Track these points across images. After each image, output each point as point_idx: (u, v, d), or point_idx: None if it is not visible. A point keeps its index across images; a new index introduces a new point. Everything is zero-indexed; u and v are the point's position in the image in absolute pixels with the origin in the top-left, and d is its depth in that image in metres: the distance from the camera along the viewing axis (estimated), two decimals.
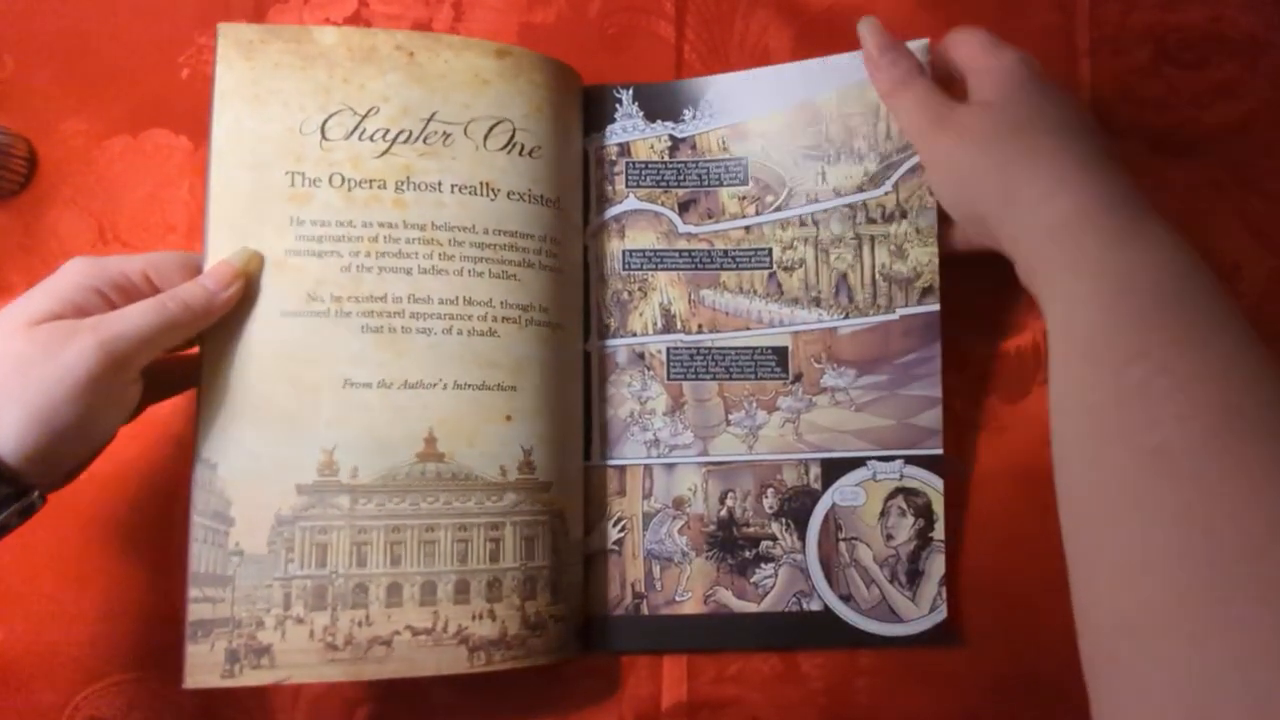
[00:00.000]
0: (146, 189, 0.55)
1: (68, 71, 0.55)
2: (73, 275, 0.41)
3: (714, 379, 0.52)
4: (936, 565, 0.51)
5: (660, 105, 0.54)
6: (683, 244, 0.53)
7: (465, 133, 0.48)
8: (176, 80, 0.55)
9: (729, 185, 0.54)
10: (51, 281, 0.41)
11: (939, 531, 0.51)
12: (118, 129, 0.55)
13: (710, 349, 0.53)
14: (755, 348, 0.52)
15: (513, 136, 0.49)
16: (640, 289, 0.53)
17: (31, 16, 0.55)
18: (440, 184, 0.47)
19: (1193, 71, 0.57)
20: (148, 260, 0.43)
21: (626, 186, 0.54)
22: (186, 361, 0.46)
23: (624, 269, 0.53)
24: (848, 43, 0.57)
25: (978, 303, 0.55)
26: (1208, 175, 0.56)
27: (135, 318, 0.40)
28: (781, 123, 0.54)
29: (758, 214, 0.53)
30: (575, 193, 0.52)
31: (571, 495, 0.50)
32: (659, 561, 0.51)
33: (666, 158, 0.54)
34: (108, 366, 0.38)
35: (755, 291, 0.53)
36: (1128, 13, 0.57)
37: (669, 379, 0.53)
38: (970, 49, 0.48)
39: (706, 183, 0.54)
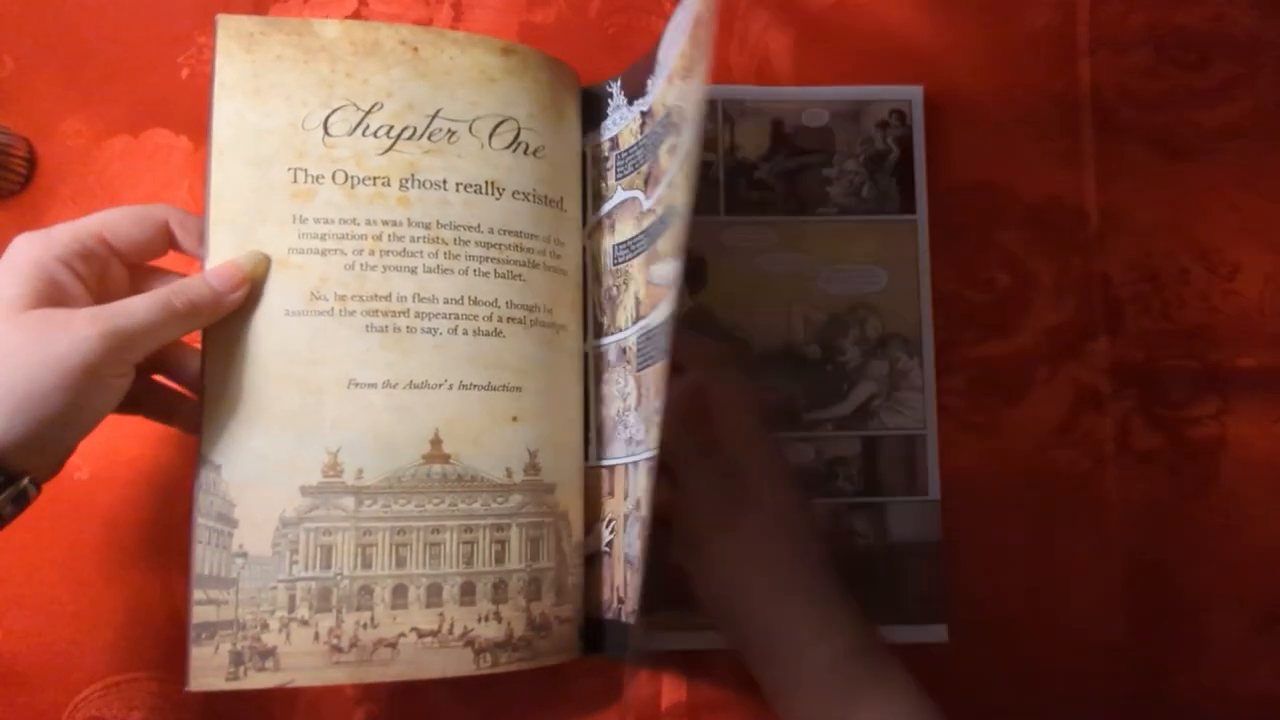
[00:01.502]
0: (146, 189, 0.54)
1: (68, 71, 0.55)
2: (27, 252, 0.40)
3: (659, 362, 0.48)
4: None
5: (636, 84, 0.52)
6: (647, 222, 0.50)
7: (470, 130, 0.48)
8: (176, 80, 0.55)
9: (664, 142, 0.48)
10: (7, 263, 0.39)
11: None
12: (118, 129, 0.55)
13: (654, 329, 0.48)
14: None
15: (518, 135, 0.49)
16: (624, 282, 0.52)
17: (31, 16, 0.55)
18: (445, 182, 0.47)
19: (1193, 71, 0.57)
20: (100, 221, 0.42)
21: (616, 180, 0.52)
22: (171, 391, 0.46)
23: (613, 264, 0.52)
24: (847, 44, 0.57)
25: (977, 303, 0.55)
26: (1208, 175, 0.56)
27: (139, 312, 0.39)
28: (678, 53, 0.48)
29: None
30: (575, 193, 0.52)
31: (573, 496, 0.50)
32: (630, 565, 0.49)
33: (638, 137, 0.52)
34: (105, 358, 0.38)
35: None
36: (1128, 13, 0.57)
37: (639, 371, 0.50)
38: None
39: (653, 150, 0.50)
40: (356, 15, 0.57)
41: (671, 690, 0.52)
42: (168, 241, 0.44)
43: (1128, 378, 0.55)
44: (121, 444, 0.52)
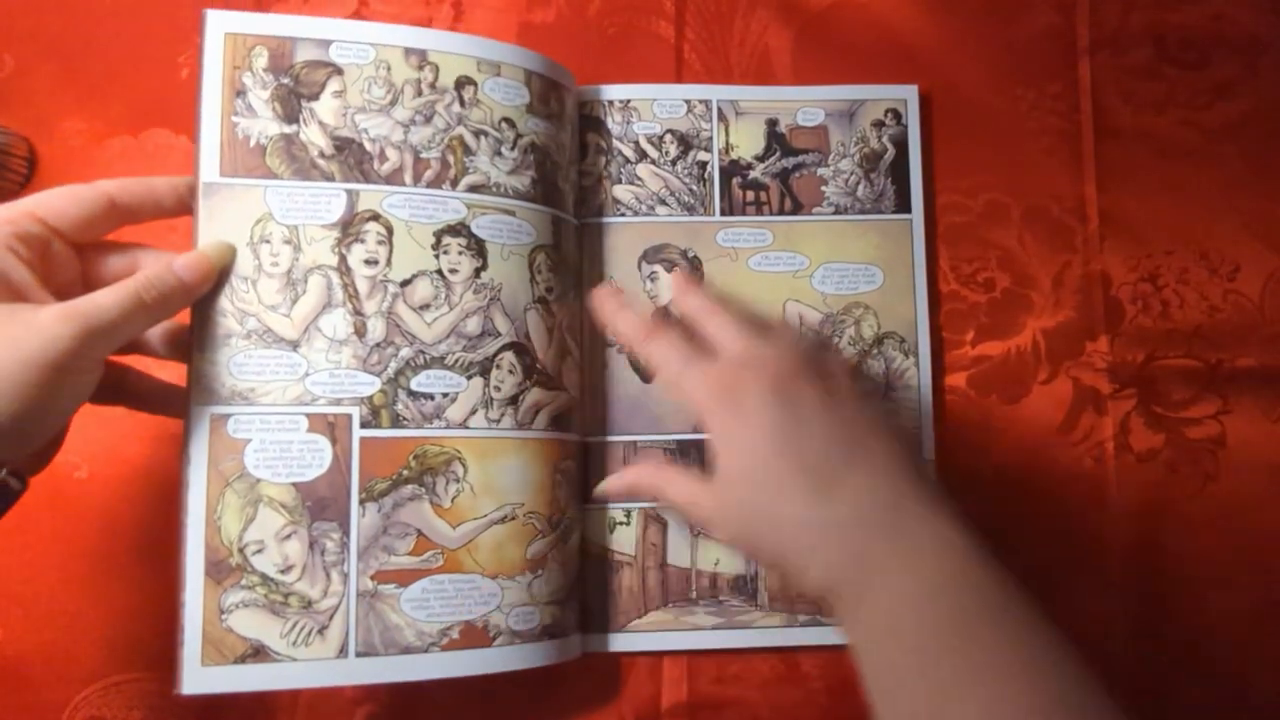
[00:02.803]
0: None
1: (68, 71, 0.55)
2: None
3: None
4: None
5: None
6: None
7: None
8: (176, 80, 0.55)
9: None
10: None
11: None
12: (118, 129, 0.55)
13: None
14: None
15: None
16: None
17: (31, 16, 0.55)
18: None
19: (1193, 71, 0.57)
20: (34, 201, 0.40)
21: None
22: (157, 384, 0.45)
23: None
24: (847, 43, 0.57)
25: (976, 303, 0.55)
26: (1208, 175, 0.56)
27: (109, 307, 0.38)
28: None
29: None
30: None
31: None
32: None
33: None
34: (76, 354, 0.36)
35: None
36: (1128, 13, 0.57)
37: None
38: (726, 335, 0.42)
39: None
40: (357, 15, 0.57)
41: (671, 690, 0.52)
42: (114, 216, 0.42)
43: (1128, 378, 0.55)
44: (121, 444, 0.52)
